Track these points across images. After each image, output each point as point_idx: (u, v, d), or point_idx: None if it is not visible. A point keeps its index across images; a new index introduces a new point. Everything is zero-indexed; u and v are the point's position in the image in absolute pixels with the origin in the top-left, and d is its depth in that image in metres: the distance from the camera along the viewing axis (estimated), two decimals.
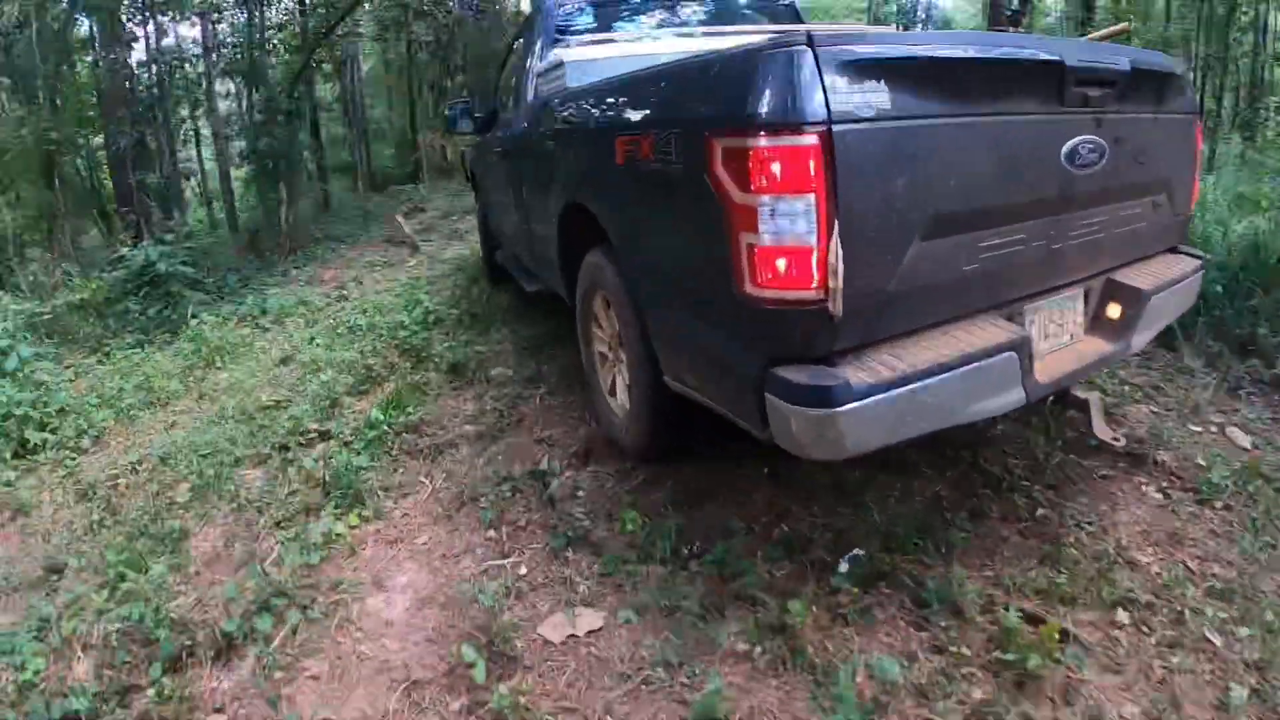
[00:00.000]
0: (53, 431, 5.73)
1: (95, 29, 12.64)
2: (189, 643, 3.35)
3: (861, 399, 2.28)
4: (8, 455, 5.53)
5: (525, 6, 20.61)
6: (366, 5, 14.71)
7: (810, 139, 2.16)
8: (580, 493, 3.82)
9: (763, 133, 2.20)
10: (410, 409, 4.78)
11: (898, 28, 21.44)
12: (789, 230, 2.23)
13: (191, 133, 16.74)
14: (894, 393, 2.34)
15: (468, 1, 16.07)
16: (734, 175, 2.29)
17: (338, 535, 3.77)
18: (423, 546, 3.70)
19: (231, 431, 5.01)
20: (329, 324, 6.95)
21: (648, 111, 2.94)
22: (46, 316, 7.74)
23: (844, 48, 2.25)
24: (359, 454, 4.40)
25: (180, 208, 12.27)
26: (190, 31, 14.54)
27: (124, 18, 12.31)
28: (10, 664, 3.65)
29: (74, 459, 5.43)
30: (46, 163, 11.30)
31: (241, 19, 13.53)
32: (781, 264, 2.26)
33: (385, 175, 20.05)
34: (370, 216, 13.70)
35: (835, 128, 2.18)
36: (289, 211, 11.85)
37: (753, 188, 2.23)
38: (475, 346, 5.70)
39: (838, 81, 2.20)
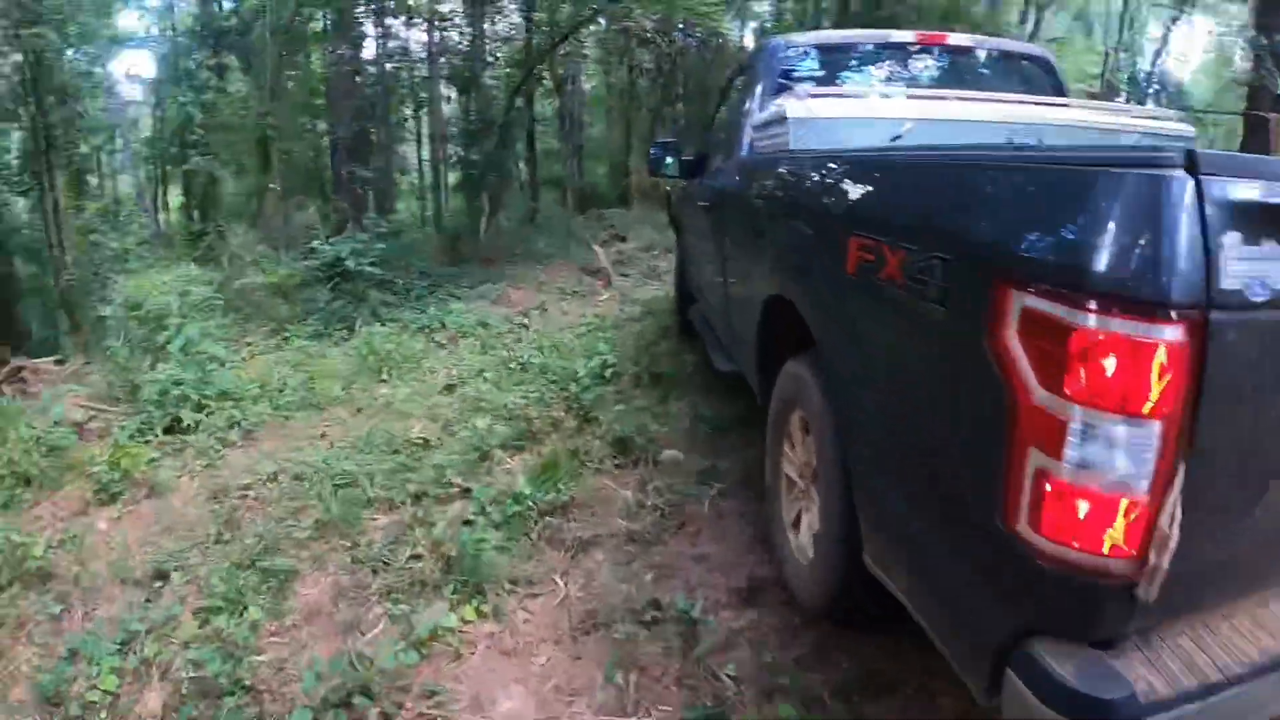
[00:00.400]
0: (208, 415, 5.58)
1: (329, 25, 13.23)
2: (254, 717, 2.96)
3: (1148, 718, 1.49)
4: (159, 431, 5.43)
5: (749, 43, 20.34)
6: (591, 27, 14.59)
7: (1174, 331, 1.36)
8: (733, 649, 3.08)
9: (1098, 304, 1.39)
10: (562, 485, 4.21)
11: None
12: (1108, 466, 1.44)
13: (412, 133, 17.33)
14: (1193, 707, 1.52)
15: (691, 32, 15.72)
16: (1035, 356, 1.50)
17: (446, 630, 3.23)
18: (538, 670, 3.11)
19: (373, 464, 4.65)
20: (502, 356, 6.56)
21: (903, 211, 2.11)
22: (233, 292, 7.85)
23: (1240, 181, 1.39)
24: (495, 528, 3.85)
25: (391, 202, 12.61)
26: (418, 35, 14.99)
27: (357, 17, 12.81)
28: (87, 673, 3.36)
29: (219, 450, 5.27)
30: (263, 145, 11.83)
31: (466, 28, 13.73)
32: (1083, 511, 1.46)
33: (595, 195, 20.09)
34: (572, 237, 13.51)
35: (1214, 316, 1.37)
36: (489, 223, 11.79)
37: (1066, 388, 1.43)
38: (649, 417, 5.08)
39: (1228, 238, 1.37)
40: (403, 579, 3.62)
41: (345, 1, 11.63)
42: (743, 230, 3.84)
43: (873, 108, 3.63)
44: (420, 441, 4.91)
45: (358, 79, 11.93)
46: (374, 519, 4.18)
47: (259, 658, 3.33)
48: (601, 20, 13.86)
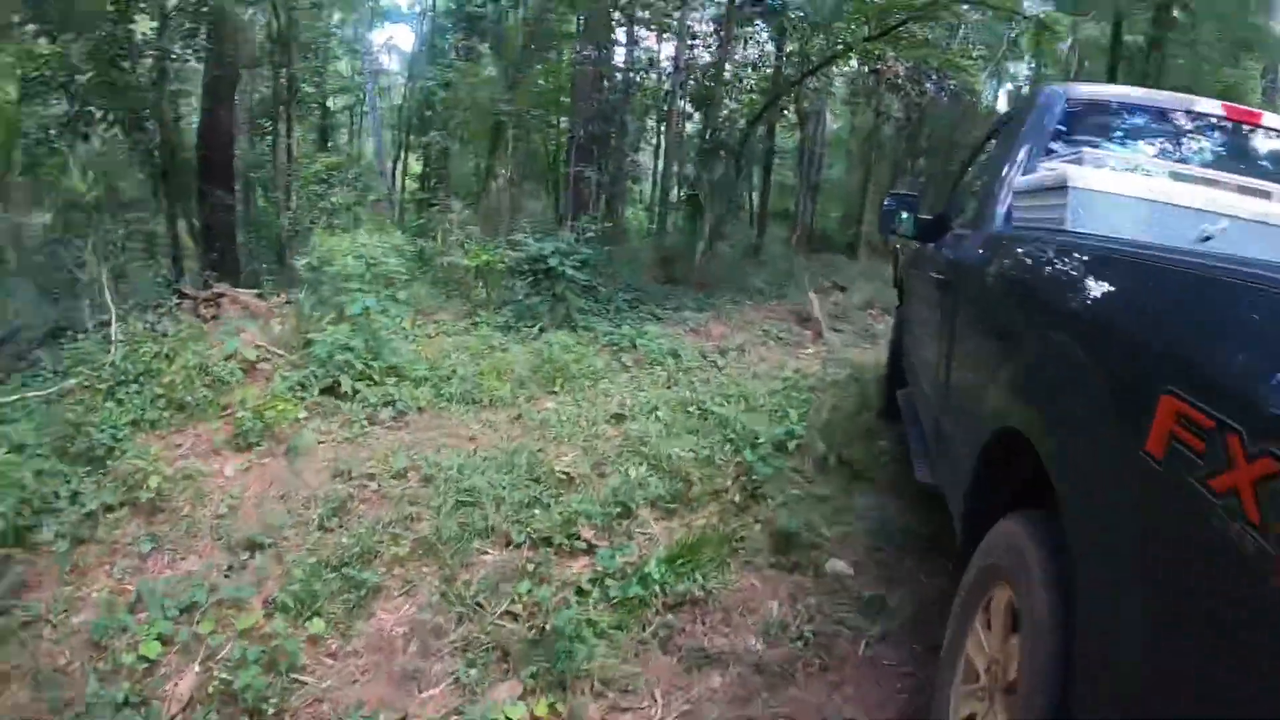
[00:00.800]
0: (368, 385, 5.32)
1: (580, 25, 13.20)
2: None
3: None
4: (316, 391, 5.22)
5: (1001, 105, 18.76)
6: (842, 65, 13.78)
7: None
8: None
9: None
10: (701, 575, 3.49)
11: None
12: None
13: (651, 144, 17.18)
14: None
15: (944, 84, 14.54)
16: None
17: None
18: None
19: (506, 487, 4.14)
20: (683, 396, 5.91)
21: None
22: (437, 267, 7.74)
23: None
24: (608, 607, 3.22)
25: (619, 208, 12.42)
26: (667, 48, 14.77)
27: (609, 22, 12.70)
28: (136, 632, 3.07)
29: (365, 427, 4.98)
30: (497, 130, 11.96)
31: (715, 49, 13.31)
32: None
33: (823, 238, 19.18)
34: (792, 279, 12.72)
35: None
36: (708, 248, 11.24)
37: None
38: (825, 512, 4.26)
39: None
40: (487, 636, 3.08)
41: (596, 5, 11.51)
42: (980, 322, 2.95)
43: (1181, 192, 2.65)
44: (564, 475, 4.36)
45: (604, 82, 11.81)
46: (484, 553, 3.67)
47: (303, 679, 2.90)
48: (853, 59, 13.08)
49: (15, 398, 4.74)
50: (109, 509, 3.92)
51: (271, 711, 2.72)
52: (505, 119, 11.63)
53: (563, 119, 14.84)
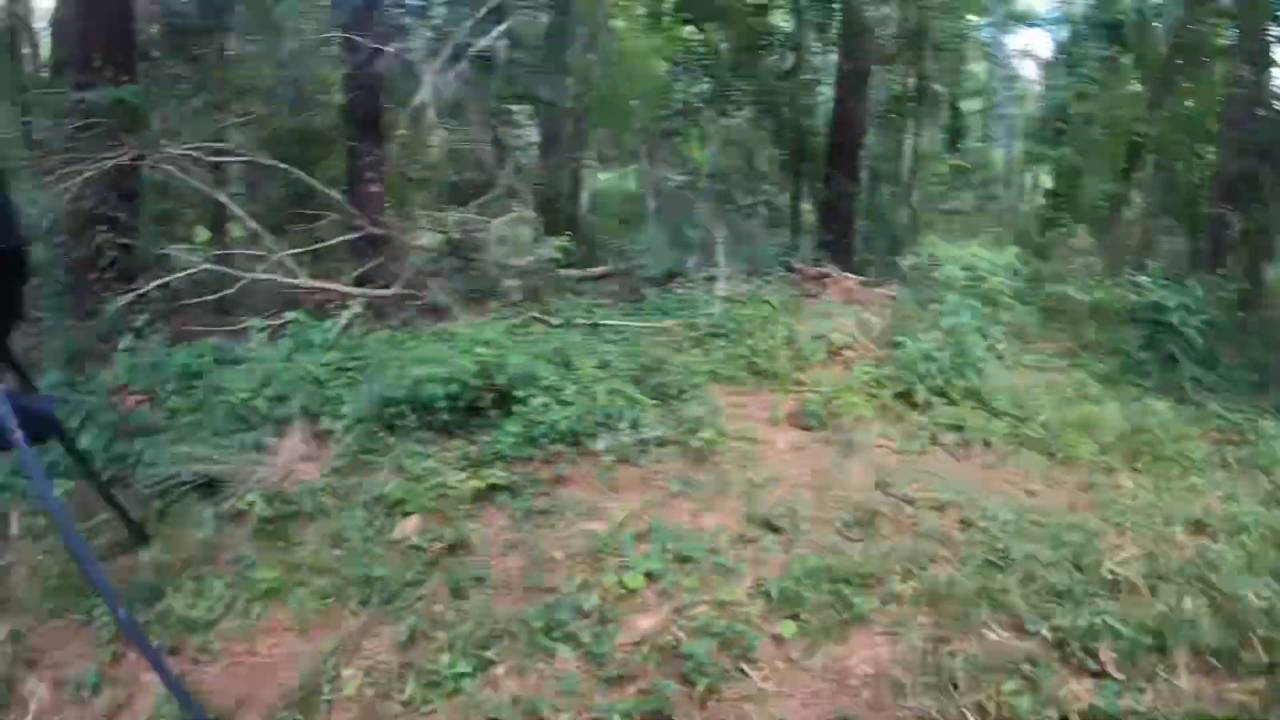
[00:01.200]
0: (943, 402, 4.96)
1: (1238, 38, 10.11)
2: None
3: None
4: (890, 394, 5.08)
5: None
6: None
7: None
8: None
9: None
10: None
11: None
12: None
13: None
14: None
15: None
16: None
17: None
18: None
19: (1042, 564, 3.43)
20: None
21: None
22: (1044, 295, 6.89)
23: None
24: None
25: (1263, 264, 9.70)
26: None
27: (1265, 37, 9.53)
28: (630, 560, 3.24)
29: (926, 446, 4.68)
30: (1131, 153, 10.11)
31: None
32: None
33: None
34: None
35: None
36: None
37: None
38: None
39: None
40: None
41: (1253, 16, 8.71)
42: None
43: None
44: (1110, 576, 3.46)
45: (1258, 110, 9.12)
46: (987, 627, 3.06)
47: (747, 671, 2.72)
48: None
49: (619, 321, 5.38)
50: (661, 443, 4.19)
51: (702, 687, 2.60)
52: (1142, 141, 9.94)
53: (1210, 149, 12.35)
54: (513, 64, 7.47)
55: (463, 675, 2.70)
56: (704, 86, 10.05)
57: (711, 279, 6.08)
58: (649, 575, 3.16)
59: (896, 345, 5.42)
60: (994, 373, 5.53)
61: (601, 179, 14.27)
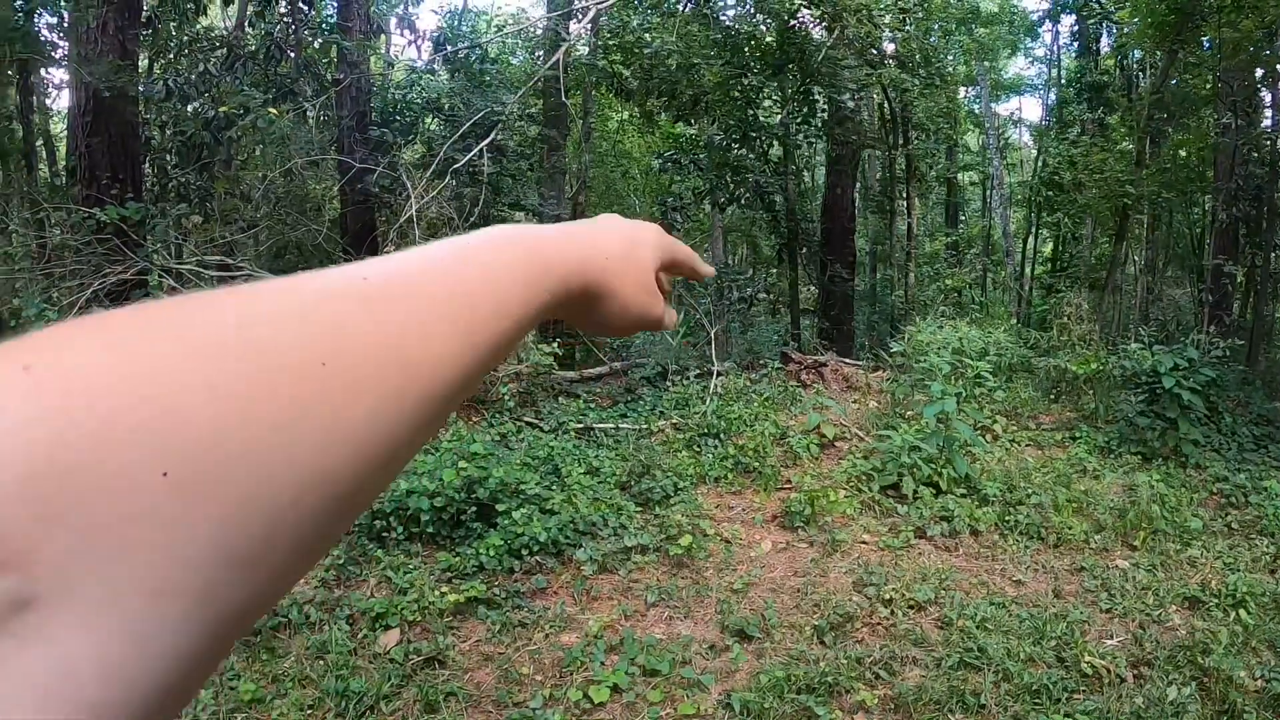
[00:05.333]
0: (934, 494, 5.07)
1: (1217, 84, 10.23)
2: None
3: None
4: (877, 488, 5.16)
5: None
6: None
7: None
8: None
9: None
10: None
11: None
12: None
13: None
14: None
15: None
16: None
17: None
18: None
19: (1019, 661, 3.53)
20: None
21: None
22: (1042, 370, 6.94)
23: None
24: None
25: (1266, 309, 9.47)
26: None
27: (1254, 80, 9.57)
28: (597, 674, 3.32)
29: (911, 540, 4.74)
30: (1122, 214, 10.15)
31: None
32: None
33: None
34: None
35: None
36: None
37: None
38: None
39: None
40: None
41: (1234, 61, 8.73)
42: None
43: None
44: (1090, 669, 3.52)
45: (1249, 152, 9.10)
46: None
47: None
48: None
49: (612, 426, 5.56)
50: (642, 550, 4.32)
51: None
52: (1130, 202, 10.04)
53: (1207, 199, 12.43)
54: (501, 174, 7.79)
55: None
56: (697, 181, 10.38)
57: (708, 374, 6.23)
58: (615, 689, 3.26)
59: (881, 438, 5.54)
60: (986, 456, 5.62)
61: None
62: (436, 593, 3.90)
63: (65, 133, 10.21)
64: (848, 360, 7.49)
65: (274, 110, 6.81)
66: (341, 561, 4.15)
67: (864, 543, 4.69)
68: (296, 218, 7.57)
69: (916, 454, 5.23)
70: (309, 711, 3.29)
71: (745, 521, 4.89)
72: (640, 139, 12.62)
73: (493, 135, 6.39)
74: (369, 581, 4.07)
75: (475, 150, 6.16)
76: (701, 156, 10.21)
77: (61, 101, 11.26)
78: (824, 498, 4.95)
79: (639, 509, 4.64)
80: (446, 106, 8.14)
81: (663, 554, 4.31)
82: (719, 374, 6.25)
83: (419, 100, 8.33)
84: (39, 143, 10.80)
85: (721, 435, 5.57)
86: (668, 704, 3.22)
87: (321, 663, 3.56)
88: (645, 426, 5.64)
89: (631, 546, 4.30)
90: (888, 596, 4.04)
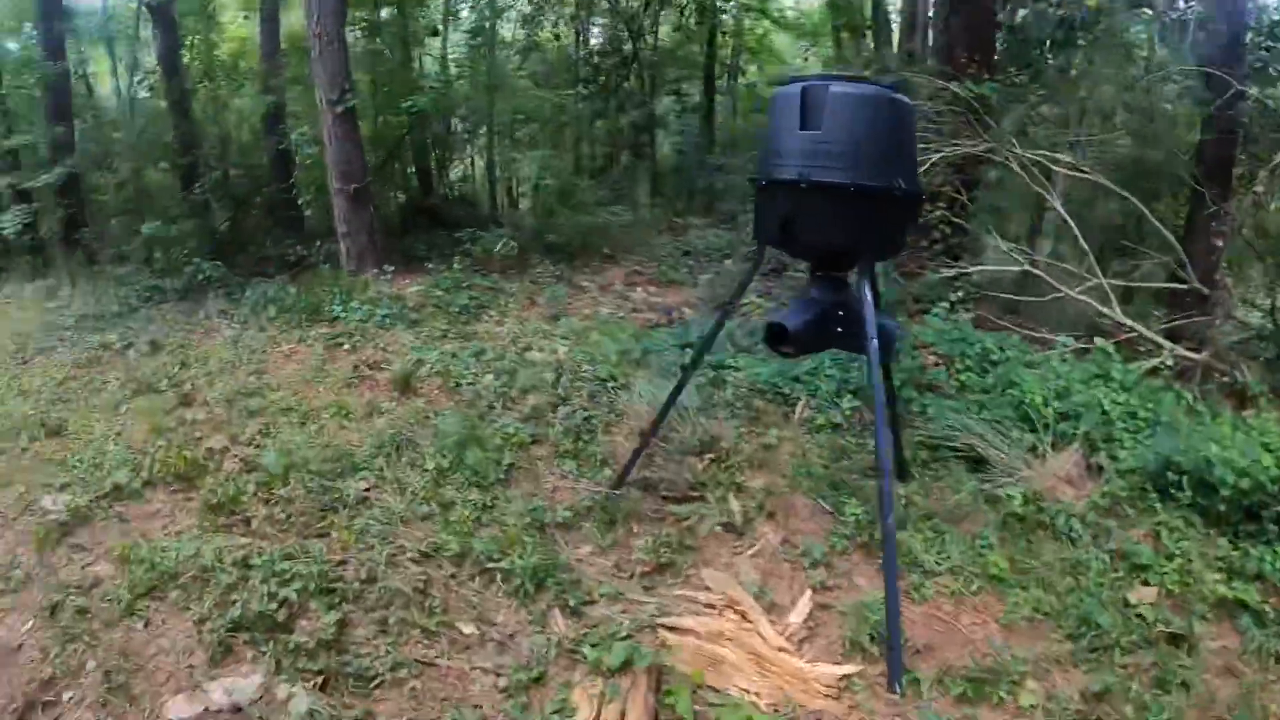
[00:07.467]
0: None
1: None
2: None
3: None
4: None
5: None
6: None
7: None
8: None
9: None
10: None
11: None
12: None
13: None
14: None
15: None
16: None
17: None
18: None
19: None
20: None
21: None
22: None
23: None
24: None
25: None
26: None
27: None
28: None
29: None
30: None
31: None
32: None
33: None
34: None
35: None
36: None
37: None
38: None
39: None
40: None
41: None
42: None
43: None
44: None
45: None
46: None
47: None
48: None
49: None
50: None
51: None
52: None
53: None
54: None
55: None
56: None
57: None
58: None
59: None
60: None
61: None
62: (1208, 577, 3.44)
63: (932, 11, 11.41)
64: None
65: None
66: (1122, 496, 3.88)
67: None
68: (1151, 133, 6.97)
69: None
70: (1037, 618, 3.26)
71: None
72: None
73: None
74: (1139, 529, 3.76)
75: None
76: None
77: None
78: None
79: None
80: None
81: None
82: None
83: None
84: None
85: None
86: None
87: (1069, 580, 3.46)
88: None
89: None
90: None
